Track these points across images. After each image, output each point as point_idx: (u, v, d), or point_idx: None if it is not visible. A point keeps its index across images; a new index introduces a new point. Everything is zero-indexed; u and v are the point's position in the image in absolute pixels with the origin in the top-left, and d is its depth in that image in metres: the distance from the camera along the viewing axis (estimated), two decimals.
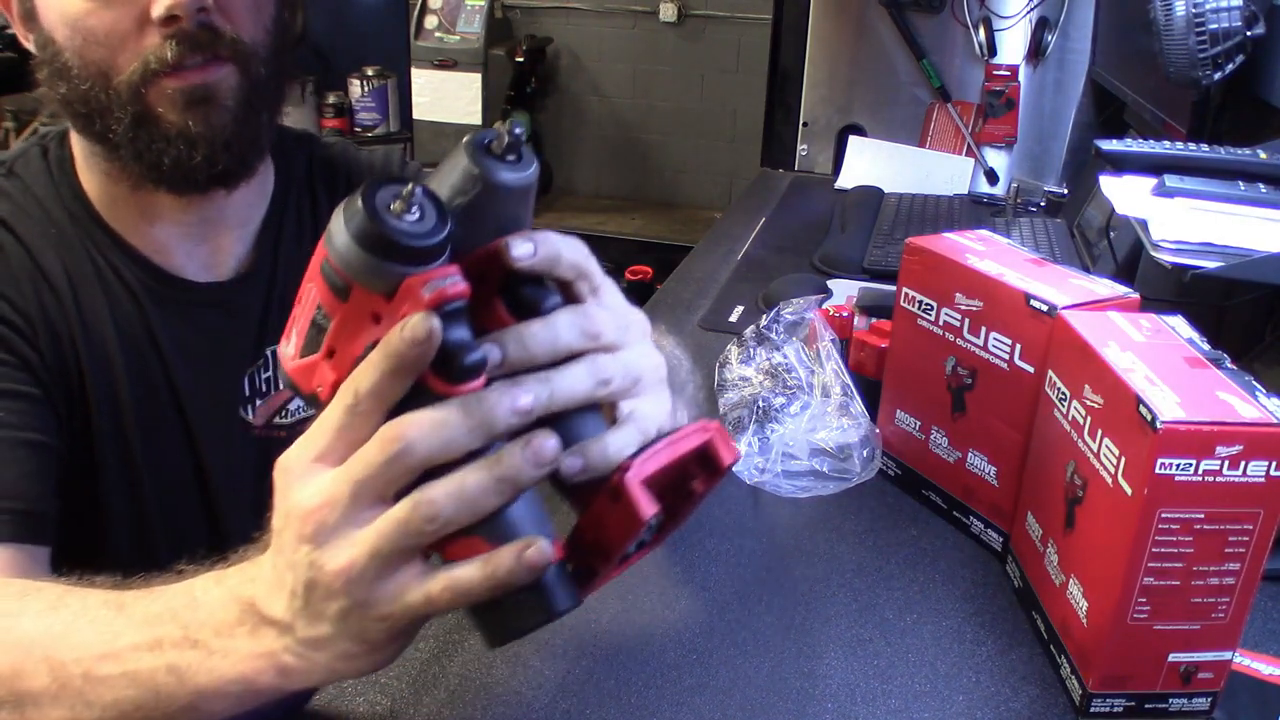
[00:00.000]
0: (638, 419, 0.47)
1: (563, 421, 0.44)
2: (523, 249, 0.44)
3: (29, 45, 0.74)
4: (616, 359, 0.46)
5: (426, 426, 0.41)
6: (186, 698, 0.47)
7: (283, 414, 0.85)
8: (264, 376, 0.83)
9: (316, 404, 0.45)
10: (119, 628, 0.49)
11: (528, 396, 0.42)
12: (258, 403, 0.83)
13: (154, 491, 0.79)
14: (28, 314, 0.73)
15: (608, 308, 0.47)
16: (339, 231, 0.41)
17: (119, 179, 0.75)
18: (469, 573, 0.42)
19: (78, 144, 0.78)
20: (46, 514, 0.68)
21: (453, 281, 0.41)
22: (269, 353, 0.83)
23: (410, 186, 0.41)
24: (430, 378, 0.41)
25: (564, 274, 0.46)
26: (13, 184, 0.77)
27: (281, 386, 0.42)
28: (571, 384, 0.44)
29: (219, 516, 0.83)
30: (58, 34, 0.70)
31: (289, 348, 0.46)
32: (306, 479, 0.43)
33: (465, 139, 0.43)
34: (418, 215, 0.41)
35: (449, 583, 0.42)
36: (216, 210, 0.79)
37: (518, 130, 0.43)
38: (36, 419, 0.70)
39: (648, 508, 0.42)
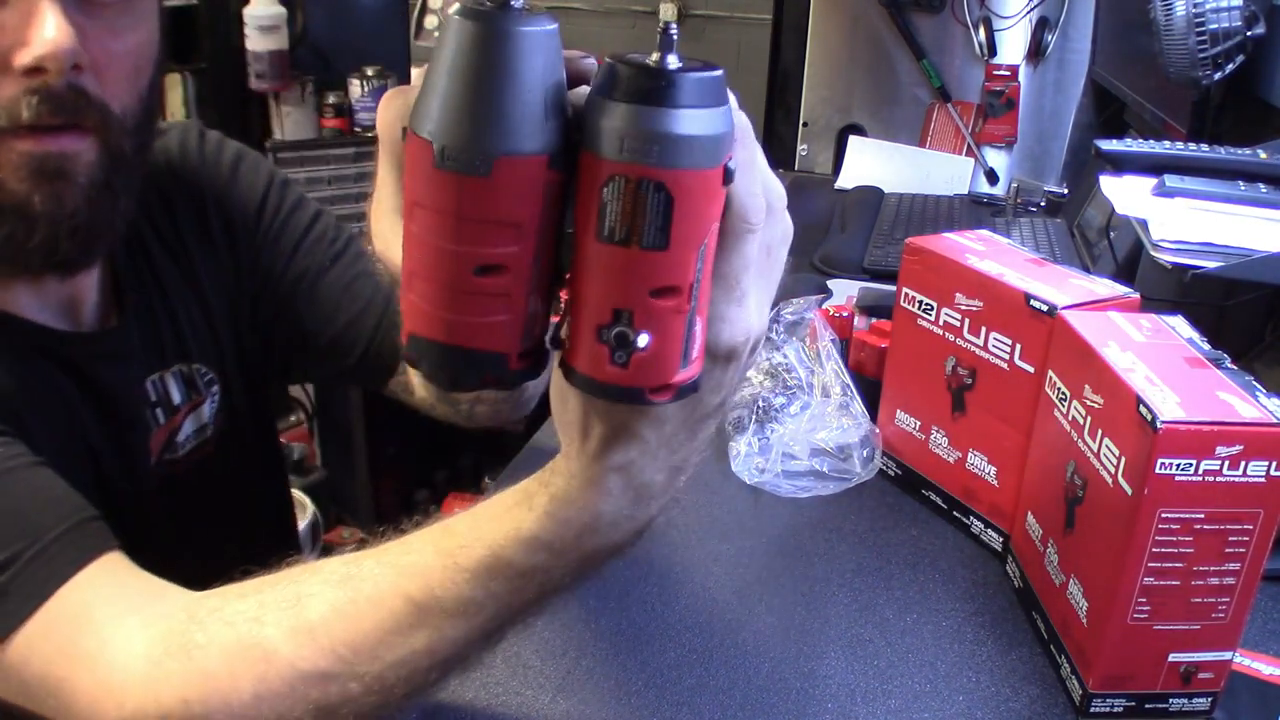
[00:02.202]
0: None
1: None
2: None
3: None
4: None
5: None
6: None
7: (171, 448, 0.80)
8: (148, 412, 0.78)
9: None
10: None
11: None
12: (149, 439, 0.78)
13: None
14: None
15: None
16: (696, 122, 0.33)
17: None
18: None
19: None
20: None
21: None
22: (150, 384, 0.78)
23: (664, 44, 0.34)
24: None
25: None
26: None
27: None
28: None
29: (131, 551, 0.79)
30: None
31: (697, 345, 0.37)
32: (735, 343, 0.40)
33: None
34: (666, 52, 0.34)
35: None
36: None
37: None
38: (28, 450, 0.63)
39: None
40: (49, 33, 0.56)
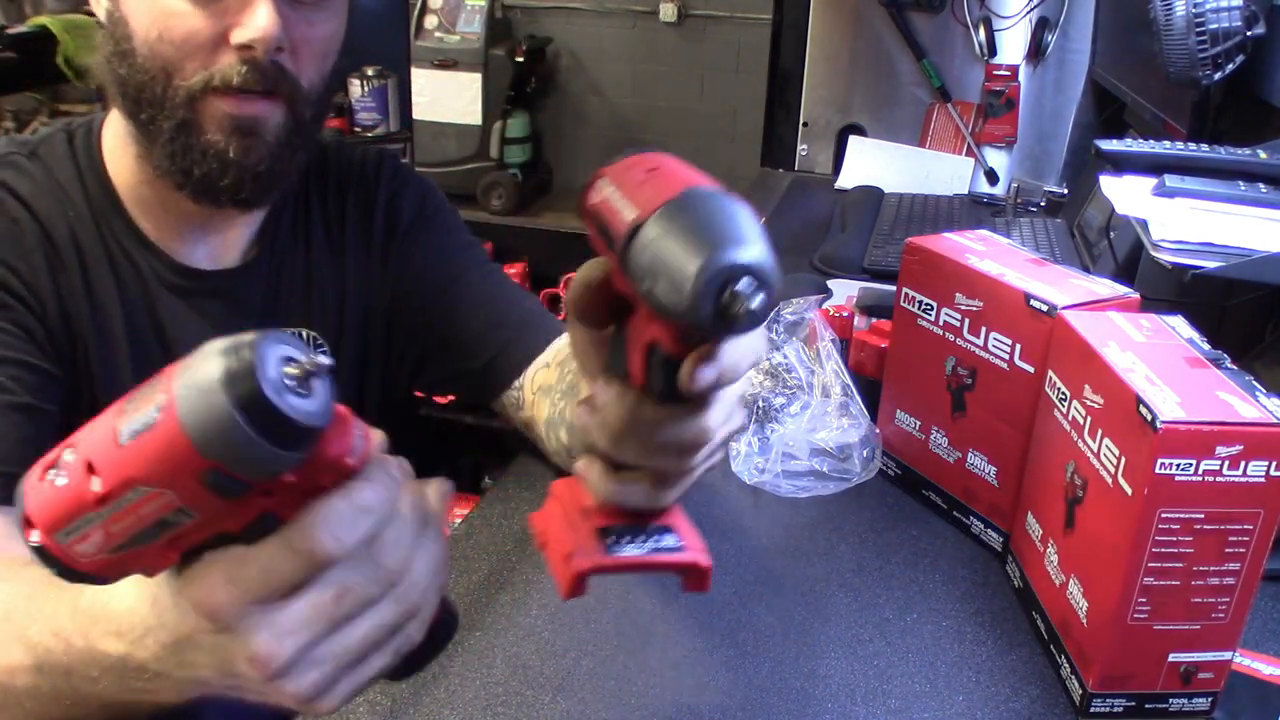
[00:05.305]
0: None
1: None
2: None
3: (96, 9, 0.76)
4: None
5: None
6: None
7: None
8: None
9: (87, 578, 0.40)
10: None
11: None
12: None
13: None
14: (37, 288, 0.75)
15: None
16: (245, 440, 0.35)
17: (146, 162, 0.78)
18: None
19: (114, 125, 0.80)
20: None
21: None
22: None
23: (306, 362, 0.37)
24: None
25: None
26: (35, 165, 0.79)
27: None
28: None
29: None
30: (134, 20, 0.72)
31: (87, 546, 0.38)
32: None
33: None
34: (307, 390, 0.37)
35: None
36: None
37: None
38: (37, 387, 0.72)
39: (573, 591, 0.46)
40: (261, 20, 0.71)
